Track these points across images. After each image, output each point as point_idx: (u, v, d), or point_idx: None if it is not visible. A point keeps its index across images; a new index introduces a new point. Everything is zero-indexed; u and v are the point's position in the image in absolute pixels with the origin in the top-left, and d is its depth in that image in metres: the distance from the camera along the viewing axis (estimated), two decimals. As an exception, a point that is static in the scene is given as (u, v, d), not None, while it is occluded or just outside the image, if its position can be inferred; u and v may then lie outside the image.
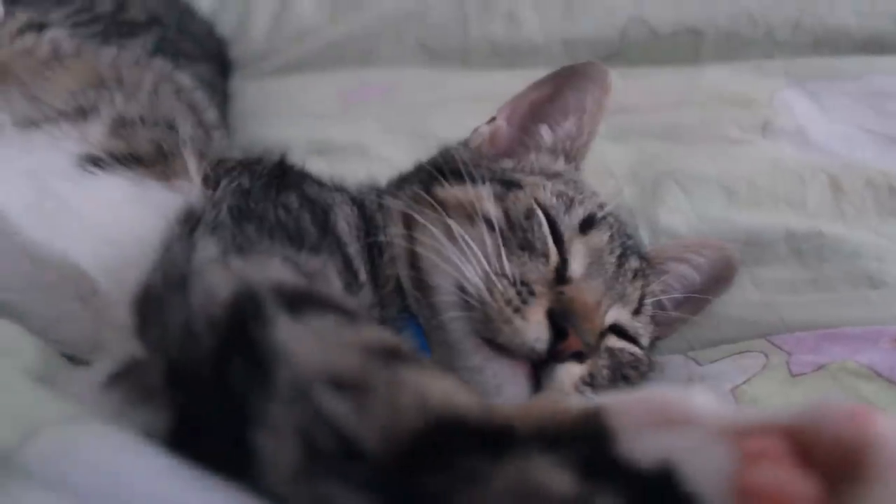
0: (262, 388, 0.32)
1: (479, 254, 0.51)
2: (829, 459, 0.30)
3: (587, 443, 0.33)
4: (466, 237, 0.52)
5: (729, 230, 0.73)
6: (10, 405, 0.39)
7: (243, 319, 0.34)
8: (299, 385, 0.31)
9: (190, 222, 0.49)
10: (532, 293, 0.51)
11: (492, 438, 0.29)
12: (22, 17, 0.94)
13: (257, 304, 0.35)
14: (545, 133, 0.67)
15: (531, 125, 0.67)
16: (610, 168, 0.82)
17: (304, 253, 0.45)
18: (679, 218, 0.75)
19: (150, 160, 0.64)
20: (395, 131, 0.95)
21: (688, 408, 0.34)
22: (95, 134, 0.68)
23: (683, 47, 1.03)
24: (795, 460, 0.31)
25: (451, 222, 0.53)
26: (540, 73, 0.72)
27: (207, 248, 0.42)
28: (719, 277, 0.66)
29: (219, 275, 0.38)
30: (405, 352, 0.34)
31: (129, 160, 0.64)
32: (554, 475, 0.29)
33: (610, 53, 1.03)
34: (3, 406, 0.38)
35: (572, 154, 0.66)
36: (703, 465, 0.31)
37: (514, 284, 0.51)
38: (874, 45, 0.98)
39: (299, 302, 0.36)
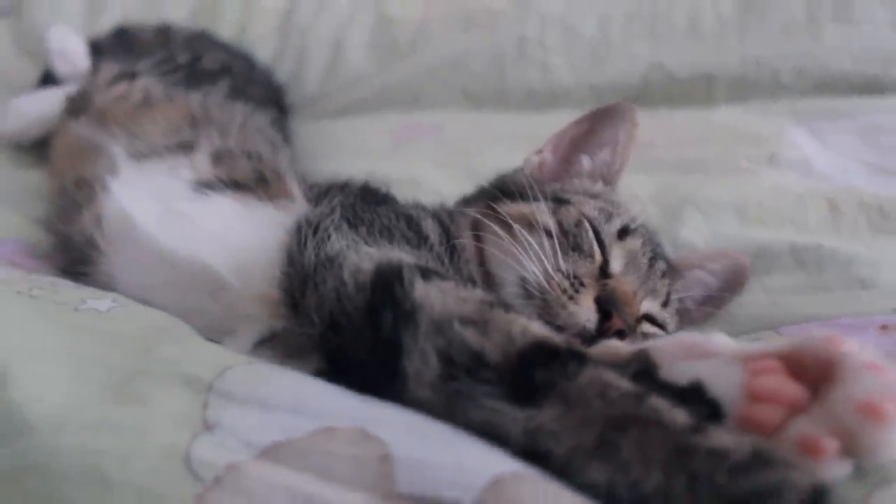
0: (410, 328, 0.47)
1: (540, 253, 0.66)
2: (812, 372, 0.45)
3: (638, 369, 0.48)
4: (530, 239, 0.67)
5: (741, 245, 0.88)
6: (202, 352, 0.54)
7: (388, 283, 0.50)
8: (438, 323, 0.46)
9: (306, 229, 0.63)
10: (582, 284, 0.65)
11: (574, 355, 0.44)
12: (112, 67, 1.12)
13: (397, 272, 0.50)
14: (585, 161, 0.82)
15: (573, 155, 0.83)
16: (636, 194, 0.98)
17: (409, 249, 0.61)
18: (697, 235, 0.90)
19: (251, 185, 0.79)
20: (444, 166, 1.11)
21: (710, 344, 0.48)
22: (201, 163, 0.83)
23: (698, 90, 1.20)
24: (788, 373, 0.45)
25: (515, 226, 0.68)
26: (570, 114, 0.88)
27: (338, 242, 0.57)
28: (733, 281, 0.80)
29: (358, 255, 0.54)
30: (506, 304, 0.49)
31: (233, 185, 0.79)
32: (619, 380, 0.43)
33: (632, 96, 1.20)
34: (197, 352, 0.53)
35: (609, 178, 0.82)
36: (722, 380, 0.46)
37: (567, 278, 0.66)
38: (868, 86, 1.15)
39: (425, 272, 0.51)
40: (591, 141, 0.83)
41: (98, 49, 1.20)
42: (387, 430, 0.43)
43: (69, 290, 0.68)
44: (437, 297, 0.48)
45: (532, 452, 0.41)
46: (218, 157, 0.85)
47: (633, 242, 0.72)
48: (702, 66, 1.21)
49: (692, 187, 0.98)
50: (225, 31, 1.38)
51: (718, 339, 0.49)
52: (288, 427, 0.45)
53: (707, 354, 0.48)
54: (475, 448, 0.42)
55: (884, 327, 0.72)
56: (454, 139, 1.18)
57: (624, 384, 0.42)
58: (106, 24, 1.31)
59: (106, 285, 0.73)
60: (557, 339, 0.46)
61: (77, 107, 1.09)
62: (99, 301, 0.64)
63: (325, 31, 1.37)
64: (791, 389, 0.44)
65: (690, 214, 0.93)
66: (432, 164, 1.12)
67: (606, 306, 0.64)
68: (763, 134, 1.08)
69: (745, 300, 0.82)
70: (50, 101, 1.11)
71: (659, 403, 0.41)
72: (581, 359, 0.44)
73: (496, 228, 0.70)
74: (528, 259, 0.66)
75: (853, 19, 1.19)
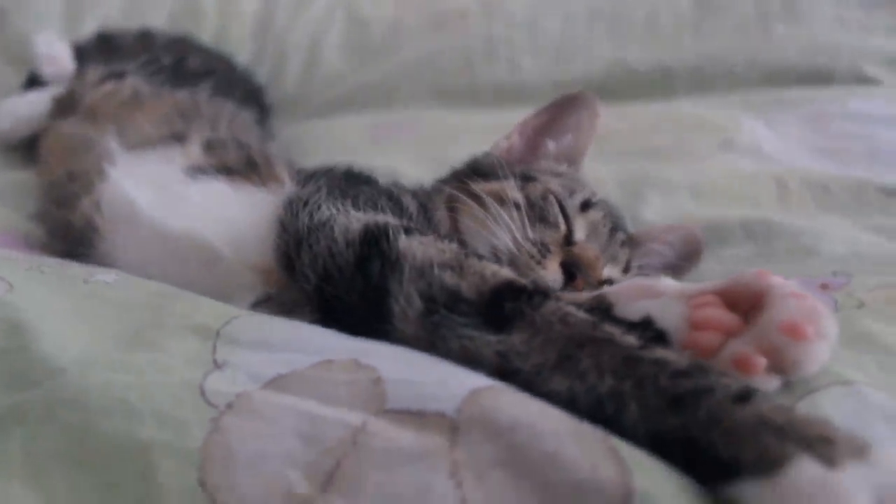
0: (395, 274, 0.54)
1: (510, 224, 0.74)
2: (746, 303, 0.53)
3: (595, 306, 0.55)
4: (500, 211, 0.75)
5: (695, 221, 0.96)
6: (208, 307, 0.60)
7: (375, 238, 0.57)
8: (420, 268, 0.54)
9: (297, 203, 0.70)
10: (549, 251, 0.73)
11: (539, 292, 0.52)
12: (98, 69, 1.19)
13: (383, 229, 0.57)
14: (550, 145, 0.90)
15: (539, 139, 0.91)
16: (600, 179, 1.06)
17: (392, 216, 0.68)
18: (655, 214, 0.99)
19: (242, 171, 0.86)
20: (420, 159, 1.19)
21: (658, 286, 0.56)
22: (193, 151, 0.90)
23: (658, 84, 1.29)
24: (725, 306, 0.53)
25: (487, 200, 0.76)
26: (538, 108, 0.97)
27: (328, 210, 0.65)
28: (690, 252, 0.88)
29: (347, 218, 0.61)
30: (479, 255, 0.57)
31: (224, 170, 0.86)
32: (578, 311, 0.51)
33: (595, 90, 1.27)
34: (203, 307, 0.60)
35: (572, 159, 0.90)
36: (668, 314, 0.54)
37: (535, 245, 0.73)
38: (816, 77, 1.25)
39: (408, 230, 0.58)
40: (556, 126, 0.91)
41: (81, 53, 1.27)
42: (377, 359, 0.50)
43: (75, 267, 0.74)
44: (418, 247, 0.56)
45: (503, 372, 0.48)
46: (209, 146, 0.92)
47: (595, 214, 0.80)
48: (661, 61, 1.30)
49: (650, 171, 1.06)
50: (204, 35, 1.44)
51: (665, 282, 0.57)
52: (290, 362, 0.52)
53: (655, 295, 0.56)
54: (455, 370, 0.49)
55: (823, 286, 0.80)
56: (427, 134, 1.26)
57: (582, 314, 0.50)
58: (86, 31, 1.37)
59: (105, 265, 0.79)
60: (525, 280, 0.53)
61: (65, 107, 1.15)
62: (105, 275, 0.71)
63: (302, 33, 1.45)
64: (727, 317, 0.52)
65: (649, 195, 1.01)
66: (409, 158, 1.19)
67: (571, 269, 0.72)
68: (717, 123, 1.17)
69: (701, 269, 0.90)
70: (37, 102, 1.17)
71: (612, 328, 0.49)
72: (545, 294, 0.51)
73: (470, 202, 0.77)
74: (500, 229, 0.73)
75: (800, 16, 1.29)
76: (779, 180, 1.03)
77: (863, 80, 1.25)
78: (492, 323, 0.50)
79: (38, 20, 1.42)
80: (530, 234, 0.74)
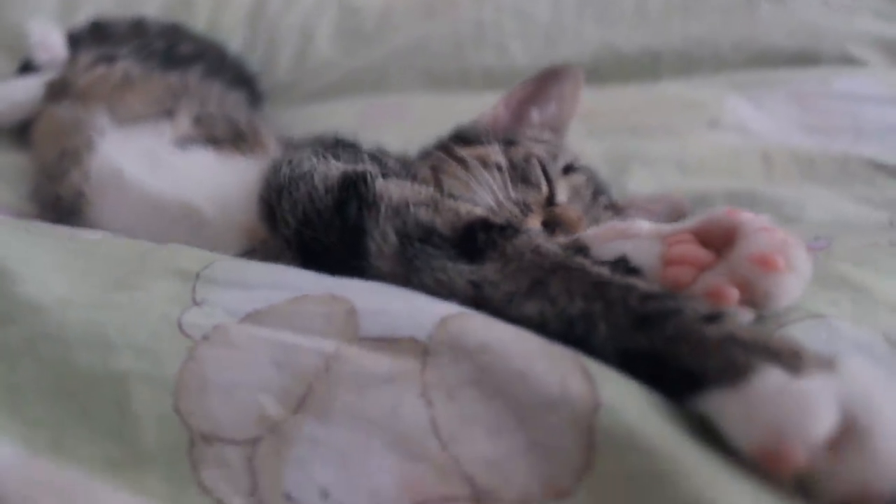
0: (372, 213, 0.55)
1: (493, 185, 0.74)
2: (719, 240, 0.53)
3: (570, 247, 0.56)
4: (484, 173, 0.75)
5: (681, 192, 0.97)
6: (189, 253, 0.61)
7: (353, 182, 0.58)
8: (396, 207, 0.54)
9: (281, 162, 0.71)
10: (530, 210, 0.73)
11: (512, 226, 0.52)
12: (90, 53, 1.20)
13: (361, 175, 0.58)
14: (535, 114, 0.91)
15: (523, 110, 0.92)
16: (588, 155, 1.07)
17: None
18: (641, 187, 0.99)
19: (230, 140, 0.87)
20: (409, 142, 1.19)
21: (633, 227, 0.57)
22: (182, 125, 0.91)
23: (645, 67, 1.30)
24: (698, 243, 0.54)
25: (471, 162, 0.76)
26: None
27: (310, 162, 0.65)
28: (675, 220, 0.89)
29: (327, 167, 0.62)
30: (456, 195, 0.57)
31: (212, 141, 0.87)
32: (550, 243, 0.51)
33: (584, 74, 1.29)
34: (185, 253, 0.60)
35: (556, 128, 0.90)
36: (643, 253, 0.54)
37: (517, 205, 0.74)
38: (802, 58, 1.26)
39: (385, 175, 0.59)
40: (540, 97, 0.91)
41: (75, 41, 1.28)
42: (352, 292, 0.51)
43: (62, 228, 0.75)
44: (395, 189, 0.56)
45: (476, 301, 0.49)
46: (198, 120, 0.93)
47: (578, 178, 0.81)
48: (649, 44, 1.31)
49: (637, 148, 1.07)
50: (197, 24, 1.45)
51: (640, 223, 0.57)
52: (267, 298, 0.52)
53: (631, 236, 0.57)
54: (428, 300, 0.49)
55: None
56: (418, 117, 1.26)
57: (554, 245, 0.51)
58: (81, 21, 1.38)
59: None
60: (499, 219, 0.54)
61: (58, 91, 1.16)
62: (91, 234, 0.72)
63: (294, 21, 1.46)
64: (700, 252, 0.53)
65: (635, 169, 1.02)
66: (399, 141, 1.20)
67: (552, 229, 0.72)
68: (704, 102, 1.17)
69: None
70: (30, 87, 1.18)
71: (584, 259, 0.49)
72: (518, 228, 0.52)
73: (453, 164, 0.78)
74: (482, 189, 0.74)
75: (786, -1, 1.30)
76: (764, 155, 1.04)
77: (849, 60, 1.25)
78: (465, 254, 0.51)
79: (33, 10, 1.43)
80: (512, 194, 0.74)
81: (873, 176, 0.99)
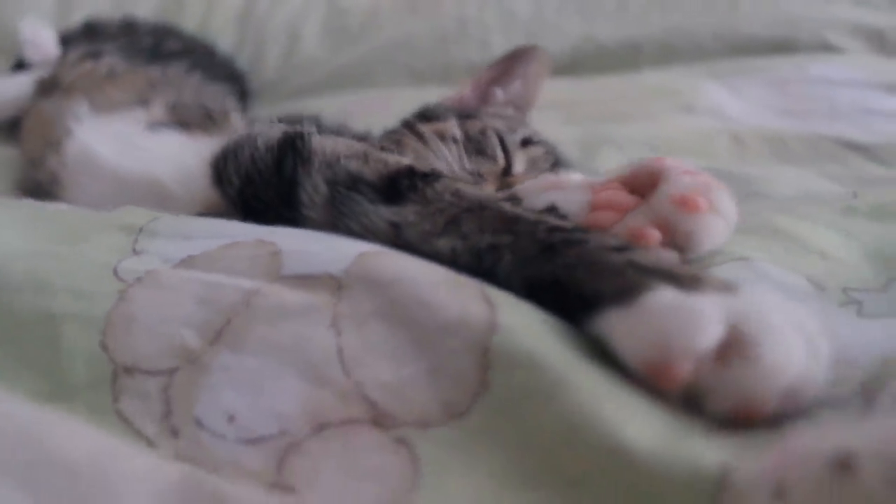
0: (306, 166, 0.56)
1: (447, 157, 0.76)
2: (645, 186, 0.54)
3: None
4: (440, 145, 0.76)
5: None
6: (137, 211, 0.62)
7: (291, 140, 0.59)
8: (328, 160, 0.55)
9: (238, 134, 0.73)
10: (484, 180, 0.74)
11: (437, 173, 0.53)
12: (79, 50, 1.23)
13: (300, 133, 0.59)
14: (499, 93, 0.92)
15: (489, 89, 0.93)
16: (562, 141, 1.07)
17: None
18: (611, 165, 1.00)
19: (200, 124, 0.89)
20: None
21: (564, 179, 0.58)
22: (156, 112, 0.93)
23: (626, 58, 1.31)
24: (624, 189, 0.54)
25: (428, 136, 0.78)
26: None
27: (258, 129, 0.67)
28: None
29: (271, 130, 0.63)
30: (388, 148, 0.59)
31: (183, 125, 0.89)
32: (470, 187, 0.52)
33: (564, 66, 1.30)
34: (133, 211, 0.62)
35: (520, 106, 0.91)
36: (572, 202, 0.55)
37: (471, 175, 0.75)
38: (780, 47, 1.26)
39: (324, 133, 0.60)
40: (505, 77, 0.93)
41: (67, 41, 1.31)
42: (279, 237, 0.52)
43: (26, 200, 0.77)
44: (329, 144, 0.58)
45: (396, 242, 0.50)
46: (172, 108, 0.95)
47: (536, 150, 0.81)
48: (629, 36, 1.32)
49: (611, 131, 1.07)
50: (188, 24, 1.49)
51: (572, 175, 0.58)
52: (201, 246, 0.53)
53: (563, 187, 0.57)
54: (349, 241, 0.50)
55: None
56: (401, 111, 1.27)
57: (474, 188, 0.51)
58: (76, 21, 1.42)
59: (64, 209, 0.81)
60: (426, 168, 0.55)
61: (47, 87, 1.19)
62: (54, 206, 0.73)
63: (282, 21, 1.49)
64: (624, 197, 0.54)
65: (606, 150, 1.02)
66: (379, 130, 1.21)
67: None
68: (680, 89, 1.18)
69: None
70: (21, 84, 1.21)
71: (504, 202, 0.50)
72: (441, 174, 0.53)
73: (412, 138, 0.79)
74: (438, 162, 0.75)
75: (764, -12, 1.31)
76: (736, 136, 1.04)
77: (827, 48, 1.26)
78: (389, 199, 0.52)
79: (29, 12, 1.47)
80: (467, 165, 0.75)
81: (844, 155, 0.99)
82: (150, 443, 0.43)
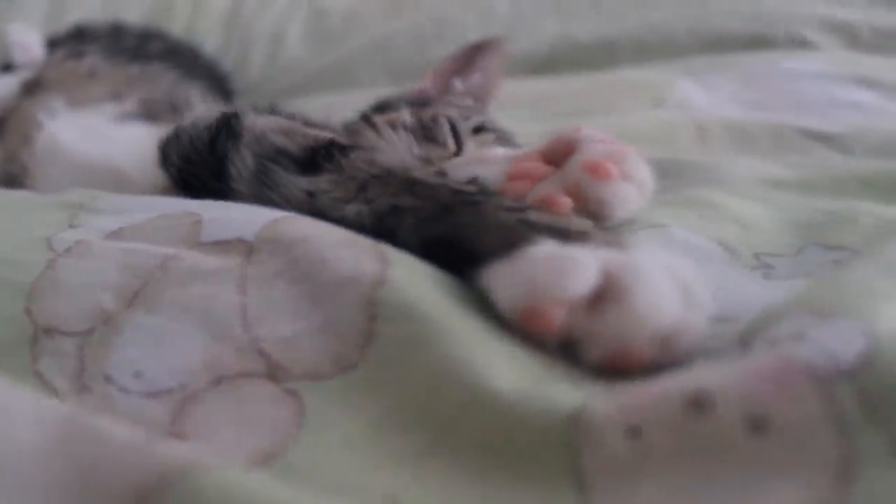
0: (236, 142, 0.58)
1: (397, 144, 0.77)
2: (562, 156, 0.55)
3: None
4: (390, 134, 0.78)
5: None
6: (84, 191, 0.64)
7: (227, 119, 0.61)
8: (258, 136, 0.57)
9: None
10: (432, 165, 0.76)
11: (357, 146, 0.55)
12: (63, 51, 1.26)
13: (235, 112, 0.61)
14: (458, 83, 0.94)
15: (449, 80, 0.95)
16: (530, 134, 1.08)
17: None
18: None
19: (165, 115, 0.91)
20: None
21: (489, 154, 0.59)
22: (128, 105, 0.96)
23: (602, 55, 1.32)
24: (542, 160, 0.56)
25: (380, 124, 0.79)
26: None
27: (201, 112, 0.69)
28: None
29: (209, 112, 0.65)
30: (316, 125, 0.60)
31: (150, 117, 0.91)
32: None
33: (541, 64, 1.32)
34: (78, 191, 0.64)
35: (479, 97, 0.93)
36: (493, 173, 0.56)
37: (420, 160, 0.76)
38: (756, 43, 1.26)
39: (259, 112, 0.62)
40: (465, 68, 0.94)
41: (55, 44, 1.34)
42: (204, 208, 0.54)
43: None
44: (262, 121, 0.60)
45: (311, 210, 0.51)
46: (143, 102, 0.98)
47: (487, 137, 0.83)
48: (605, 33, 1.33)
49: (575, 124, 1.08)
50: (175, 28, 1.52)
51: (498, 150, 0.59)
52: (133, 219, 0.55)
53: (487, 161, 0.59)
54: (265, 210, 0.52)
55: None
56: (379, 108, 1.30)
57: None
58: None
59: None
60: (348, 141, 0.57)
61: (31, 87, 1.22)
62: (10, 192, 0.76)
63: (266, 24, 1.52)
64: (539, 167, 0.55)
65: (570, 142, 1.03)
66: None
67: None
68: (652, 85, 1.19)
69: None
70: (6, 85, 1.24)
71: (415, 171, 0.52)
72: (360, 147, 0.54)
73: (367, 129, 0.81)
74: (389, 149, 0.77)
75: (739, -14, 1.32)
76: (699, 126, 1.04)
77: (802, 44, 1.26)
78: (307, 169, 0.53)
79: (21, 17, 1.51)
80: (416, 151, 0.77)
81: (806, 144, 1.00)
82: (61, 398, 0.44)
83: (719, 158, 0.98)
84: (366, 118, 0.85)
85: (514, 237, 0.42)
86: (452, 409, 0.37)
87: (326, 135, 0.57)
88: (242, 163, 0.57)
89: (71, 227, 0.56)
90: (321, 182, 0.52)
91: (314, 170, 0.53)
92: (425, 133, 0.80)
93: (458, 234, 0.44)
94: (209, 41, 1.52)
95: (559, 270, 0.38)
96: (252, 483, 0.31)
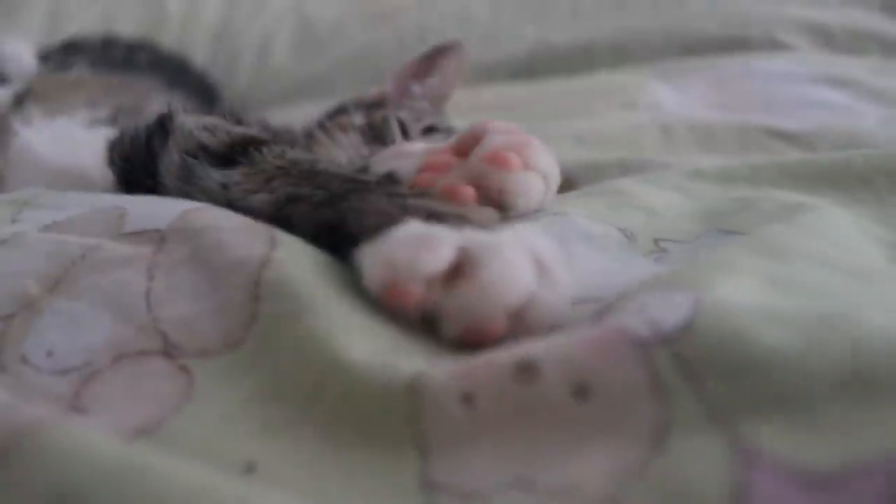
0: (167, 140, 0.61)
1: (345, 145, 0.80)
2: (471, 148, 0.58)
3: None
4: (341, 136, 0.81)
5: (573, 163, 1.00)
6: (36, 190, 0.68)
7: (163, 120, 0.64)
8: (186, 134, 0.60)
9: None
10: (377, 163, 0.79)
11: (273, 142, 0.58)
12: (53, 64, 1.31)
13: (171, 114, 0.65)
14: (416, 87, 0.97)
15: (407, 83, 0.98)
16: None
17: None
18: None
19: (131, 121, 0.95)
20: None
21: (408, 147, 0.62)
22: (102, 112, 1.00)
23: (579, 60, 1.34)
24: (454, 153, 0.58)
25: (332, 128, 0.83)
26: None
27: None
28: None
29: (150, 116, 0.69)
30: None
31: (117, 122, 0.95)
32: (299, 152, 0.57)
33: (519, 70, 1.35)
34: (34, 190, 0.68)
35: (437, 99, 0.96)
36: (407, 164, 0.59)
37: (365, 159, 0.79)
38: (731, 45, 1.28)
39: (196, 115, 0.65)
40: (423, 72, 0.98)
41: (46, 57, 1.39)
42: (132, 203, 0.57)
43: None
44: (191, 120, 0.63)
45: (226, 202, 0.55)
46: (118, 109, 1.02)
47: (439, 136, 0.86)
48: (582, 39, 1.36)
49: (545, 127, 1.10)
50: (167, 40, 1.57)
51: (417, 144, 0.62)
52: (67, 214, 0.59)
53: (405, 155, 0.62)
54: (183, 202, 0.55)
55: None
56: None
57: (301, 153, 0.56)
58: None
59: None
60: (266, 136, 0.60)
61: (21, 99, 1.27)
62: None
63: (255, 35, 1.57)
64: (447, 159, 0.57)
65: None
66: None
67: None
68: (625, 88, 1.21)
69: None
70: (-2, 97, 1.29)
71: (319, 162, 0.55)
72: (276, 143, 0.58)
73: (321, 134, 0.84)
74: (338, 150, 0.80)
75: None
76: (664, 127, 1.06)
77: (777, 46, 1.27)
78: (224, 164, 0.56)
79: (22, 33, 1.57)
80: (364, 152, 0.80)
81: (770, 143, 1.01)
82: (-21, 378, 0.48)
83: (680, 158, 1.00)
84: (321, 123, 0.89)
85: (390, 221, 0.44)
86: (315, 381, 0.40)
87: (246, 131, 0.61)
88: (170, 159, 0.60)
89: (13, 221, 0.60)
90: (234, 175, 0.55)
91: (230, 164, 0.56)
92: (374, 134, 0.83)
93: (342, 218, 0.47)
94: (199, 52, 1.57)
95: (417, 248, 0.40)
96: (92, 441, 0.33)
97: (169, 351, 0.45)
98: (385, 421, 0.37)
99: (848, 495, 0.29)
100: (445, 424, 0.36)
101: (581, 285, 0.45)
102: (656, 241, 0.55)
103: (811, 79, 1.16)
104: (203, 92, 1.42)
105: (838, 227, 0.51)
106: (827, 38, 1.27)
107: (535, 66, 1.36)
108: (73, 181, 0.85)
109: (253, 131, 0.61)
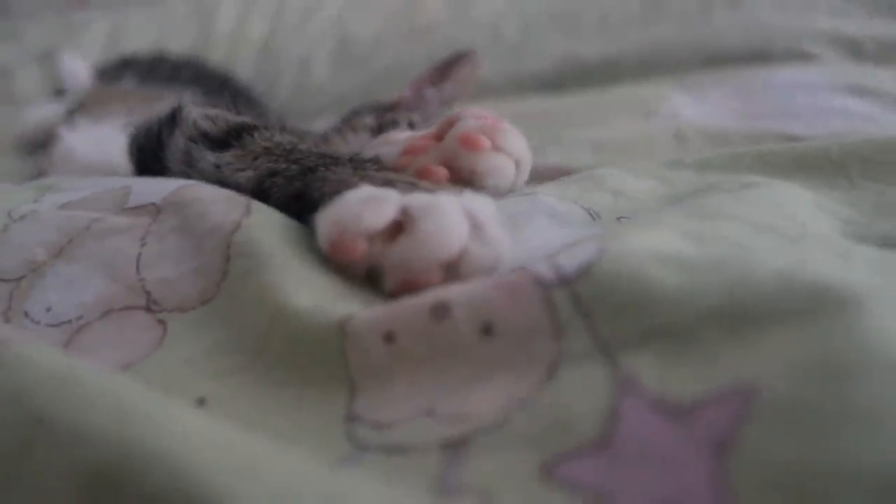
0: (175, 129, 0.67)
1: (356, 144, 0.85)
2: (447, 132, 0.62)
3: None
4: (349, 134, 0.86)
5: (584, 166, 1.03)
6: (62, 177, 0.74)
7: (174, 112, 0.70)
8: (191, 121, 0.66)
9: None
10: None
11: (264, 126, 0.63)
12: (103, 80, 1.41)
13: (182, 106, 0.70)
14: (430, 91, 1.02)
15: (423, 89, 1.02)
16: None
17: None
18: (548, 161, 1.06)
19: None
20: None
21: (395, 135, 0.66)
22: (135, 118, 1.08)
23: (606, 73, 1.37)
24: (433, 138, 0.62)
25: (343, 130, 0.88)
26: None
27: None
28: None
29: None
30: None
31: None
32: (286, 136, 0.61)
33: (547, 83, 1.38)
34: (55, 178, 0.74)
35: (447, 102, 1.00)
36: (391, 150, 0.63)
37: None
38: (754, 57, 1.29)
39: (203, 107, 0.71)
40: (439, 78, 1.02)
41: (102, 72, 1.50)
42: (136, 183, 0.63)
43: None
44: (198, 111, 0.68)
45: (218, 180, 0.60)
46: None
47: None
48: (609, 52, 1.39)
49: (562, 135, 1.14)
50: (216, 58, 1.66)
51: (402, 132, 0.66)
52: (82, 194, 0.65)
53: (391, 142, 0.66)
54: (180, 181, 0.60)
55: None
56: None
57: (290, 138, 0.61)
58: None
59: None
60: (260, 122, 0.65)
61: (72, 112, 1.37)
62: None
63: (297, 51, 1.64)
64: (425, 143, 0.61)
65: (550, 148, 1.09)
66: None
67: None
68: (648, 99, 1.23)
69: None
70: (54, 110, 1.39)
71: (302, 145, 0.59)
72: (267, 128, 0.62)
73: (335, 135, 0.90)
74: (348, 149, 0.85)
75: (741, 3, 1.35)
76: (679, 134, 1.08)
77: (804, 58, 1.28)
78: (220, 147, 0.62)
79: (83, 51, 1.68)
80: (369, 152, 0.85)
81: (783, 148, 1.02)
82: (-14, 330, 0.54)
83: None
84: (336, 126, 0.94)
85: (347, 187, 0.48)
86: (266, 327, 0.44)
87: (243, 119, 0.66)
88: (176, 145, 0.66)
89: (35, 202, 0.66)
90: (226, 156, 0.60)
91: (226, 148, 0.61)
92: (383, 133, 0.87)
93: (308, 188, 0.51)
94: (245, 68, 1.65)
95: (362, 207, 0.44)
96: (42, 353, 0.38)
97: (151, 306, 0.50)
98: (321, 360, 0.41)
99: (702, 424, 0.31)
100: (369, 361, 0.40)
101: (537, 253, 0.48)
102: (619, 219, 0.58)
103: (833, 88, 1.16)
104: (245, 103, 1.50)
105: (788, 201, 0.53)
106: (854, 49, 1.27)
107: (562, 80, 1.39)
108: (103, 174, 0.92)
109: (248, 119, 0.66)
